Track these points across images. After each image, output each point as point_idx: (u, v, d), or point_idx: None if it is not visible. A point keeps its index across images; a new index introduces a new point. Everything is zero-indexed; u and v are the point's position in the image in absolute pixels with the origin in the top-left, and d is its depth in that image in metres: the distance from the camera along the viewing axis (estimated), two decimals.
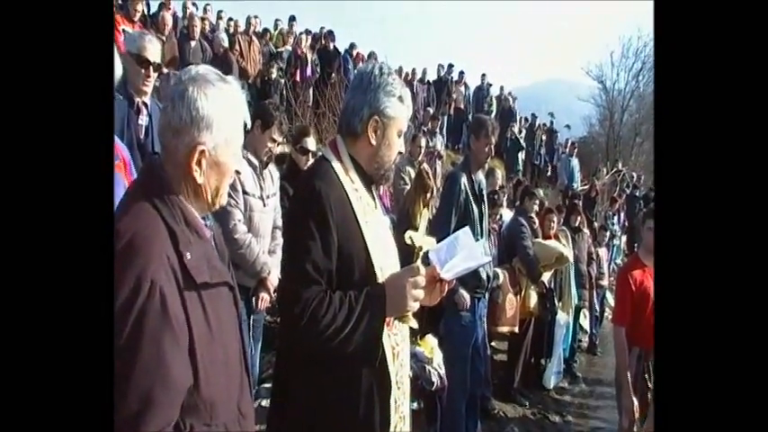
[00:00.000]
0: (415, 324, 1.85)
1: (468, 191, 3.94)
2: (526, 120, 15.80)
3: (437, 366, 4.16)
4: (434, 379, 4.09)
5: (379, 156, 1.84)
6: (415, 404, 4.51)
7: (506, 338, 5.65)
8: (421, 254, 1.82)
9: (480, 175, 4.19)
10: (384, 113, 1.80)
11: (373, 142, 1.82)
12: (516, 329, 5.23)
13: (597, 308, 7.53)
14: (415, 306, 1.73)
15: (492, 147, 4.17)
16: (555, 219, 5.90)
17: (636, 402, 3.37)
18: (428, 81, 14.09)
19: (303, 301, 1.62)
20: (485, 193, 4.17)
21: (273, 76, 9.06)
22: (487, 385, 4.93)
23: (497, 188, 5.92)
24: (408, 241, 1.83)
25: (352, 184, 1.80)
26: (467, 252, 1.93)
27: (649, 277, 3.57)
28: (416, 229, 4.07)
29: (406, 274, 1.72)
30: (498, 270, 5.11)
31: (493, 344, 6.05)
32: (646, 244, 3.70)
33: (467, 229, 2.04)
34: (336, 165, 1.80)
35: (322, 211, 1.67)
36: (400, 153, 1.92)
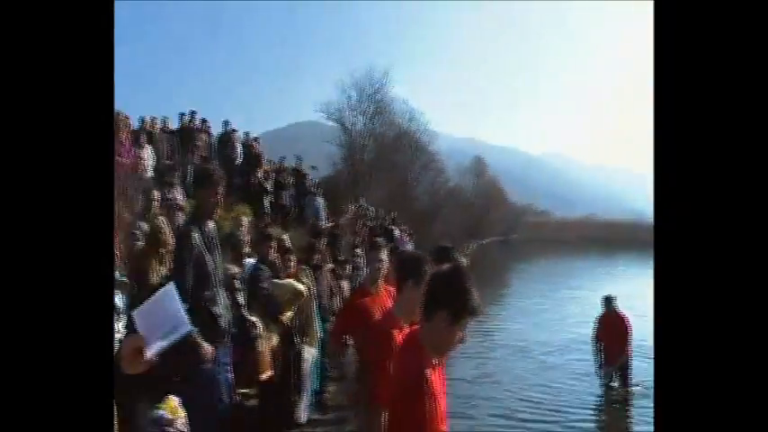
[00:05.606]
0: None
1: (201, 244, 3.95)
2: (273, 163, 16.14)
3: (180, 426, 4.01)
4: None
5: None
6: None
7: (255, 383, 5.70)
8: None
9: (210, 224, 4.21)
10: None
11: None
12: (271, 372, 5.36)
13: None
14: None
15: (220, 196, 4.23)
16: (293, 258, 6.21)
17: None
18: (171, 130, 13.51)
19: None
20: (216, 242, 4.22)
21: None
22: None
23: (245, 237, 5.99)
24: None
25: None
26: (168, 319, 1.94)
27: (372, 303, 4.04)
28: (151, 288, 3.91)
29: None
30: (254, 318, 5.18)
31: (246, 390, 6.04)
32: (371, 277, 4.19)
33: (170, 288, 2.07)
34: None
35: None
36: None
